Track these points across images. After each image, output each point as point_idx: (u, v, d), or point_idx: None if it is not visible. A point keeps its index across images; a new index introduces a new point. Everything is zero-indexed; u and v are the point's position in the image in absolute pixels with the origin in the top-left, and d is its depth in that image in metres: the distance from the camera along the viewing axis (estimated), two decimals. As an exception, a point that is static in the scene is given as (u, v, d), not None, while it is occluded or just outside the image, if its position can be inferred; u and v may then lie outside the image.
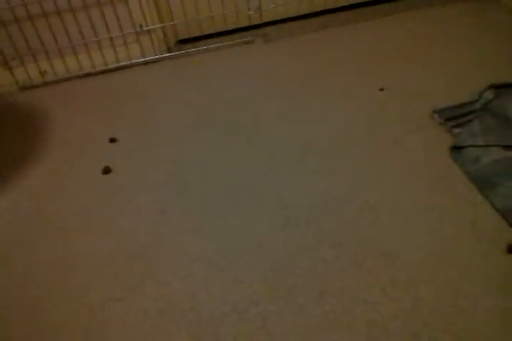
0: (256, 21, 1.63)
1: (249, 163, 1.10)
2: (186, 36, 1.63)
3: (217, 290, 0.84)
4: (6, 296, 0.87)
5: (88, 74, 1.51)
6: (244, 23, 1.64)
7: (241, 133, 1.20)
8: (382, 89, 1.28)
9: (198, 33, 1.61)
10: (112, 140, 1.20)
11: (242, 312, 0.80)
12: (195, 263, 0.89)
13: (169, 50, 1.59)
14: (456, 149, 1.07)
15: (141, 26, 1.50)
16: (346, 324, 0.77)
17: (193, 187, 1.06)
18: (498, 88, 1.21)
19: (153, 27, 1.52)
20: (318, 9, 1.68)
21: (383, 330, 0.76)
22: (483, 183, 0.99)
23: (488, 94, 1.19)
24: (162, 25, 1.53)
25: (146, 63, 1.54)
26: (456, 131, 1.12)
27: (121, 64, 1.53)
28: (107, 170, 1.10)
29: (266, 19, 1.64)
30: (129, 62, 1.53)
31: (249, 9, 1.57)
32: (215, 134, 1.20)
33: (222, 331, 0.77)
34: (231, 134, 1.20)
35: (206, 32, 1.61)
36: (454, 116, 1.15)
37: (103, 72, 1.51)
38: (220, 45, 1.58)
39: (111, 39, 1.50)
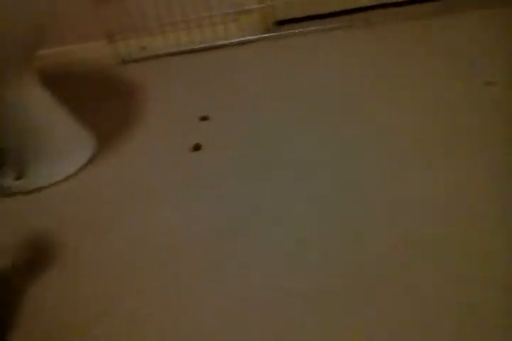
0: (359, 4, 1.56)
1: (359, 147, 1.05)
2: (285, 17, 1.59)
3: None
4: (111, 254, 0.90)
5: (185, 52, 1.52)
6: (346, 6, 1.57)
7: (332, 111, 1.15)
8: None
9: (297, 15, 1.57)
10: (204, 118, 1.20)
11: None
12: (284, 245, 0.87)
13: (267, 31, 1.57)
14: None
15: (240, 6, 1.49)
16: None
17: (282, 169, 1.03)
18: None
19: (253, 7, 1.50)
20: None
21: None
22: None
23: None
24: (262, 5, 1.51)
25: (242, 43, 1.53)
26: None
27: (218, 43, 1.53)
28: (197, 147, 1.10)
29: (370, 2, 1.57)
30: (226, 42, 1.53)
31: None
32: (308, 114, 1.16)
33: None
34: (323, 113, 1.15)
35: (305, 14, 1.57)
36: None
37: (200, 50, 1.52)
38: (318, 28, 1.53)
39: (210, 17, 1.51)
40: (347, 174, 0.99)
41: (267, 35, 1.54)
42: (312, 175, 1.01)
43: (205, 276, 0.83)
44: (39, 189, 1.09)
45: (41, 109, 1.10)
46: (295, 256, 0.83)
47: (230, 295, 0.79)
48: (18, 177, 1.09)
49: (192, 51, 1.52)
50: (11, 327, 0.79)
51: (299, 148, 1.09)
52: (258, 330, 0.73)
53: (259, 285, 0.79)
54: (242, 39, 1.53)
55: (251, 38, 1.53)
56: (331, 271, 0.79)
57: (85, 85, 1.41)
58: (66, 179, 1.10)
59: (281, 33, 1.54)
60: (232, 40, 1.53)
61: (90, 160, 1.14)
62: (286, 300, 0.76)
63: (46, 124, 1.10)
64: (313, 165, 1.03)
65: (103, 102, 1.34)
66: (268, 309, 0.75)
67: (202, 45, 1.52)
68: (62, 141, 1.12)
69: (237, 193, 0.99)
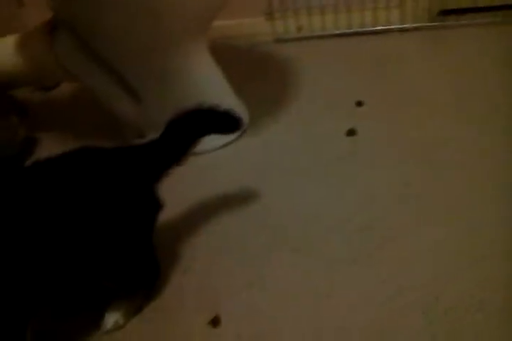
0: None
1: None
2: (452, 7, 1.49)
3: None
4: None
5: (342, 35, 1.50)
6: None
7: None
8: None
9: (465, 5, 1.46)
10: (359, 103, 1.18)
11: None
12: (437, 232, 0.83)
13: (430, 20, 1.48)
14: None
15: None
16: None
17: (441, 163, 0.98)
18: None
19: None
20: None
21: None
22: None
23: None
24: (431, -9, 1.43)
25: (402, 30, 1.47)
26: None
27: (377, 28, 1.48)
28: (351, 133, 1.08)
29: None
30: (386, 28, 1.47)
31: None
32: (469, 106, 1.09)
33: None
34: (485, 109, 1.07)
35: (476, 4, 1.46)
36: None
37: (357, 33, 1.49)
38: (488, 20, 1.41)
39: (374, 1, 1.46)
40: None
41: (430, 24, 1.46)
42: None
43: (361, 261, 0.82)
44: (194, 154, 1.14)
45: (208, 77, 1.14)
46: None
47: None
48: (176, 141, 1.15)
49: (350, 34, 1.49)
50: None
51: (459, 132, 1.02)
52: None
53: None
54: (403, 26, 1.46)
55: (413, 25, 1.46)
56: None
57: (239, 61, 1.45)
58: (219, 148, 1.15)
59: (446, 23, 1.45)
60: (393, 27, 1.47)
61: (241, 134, 1.18)
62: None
63: (210, 92, 1.14)
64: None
65: (256, 79, 1.36)
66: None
67: (360, 29, 1.48)
68: (221, 111, 1.17)
69: (390, 178, 0.96)
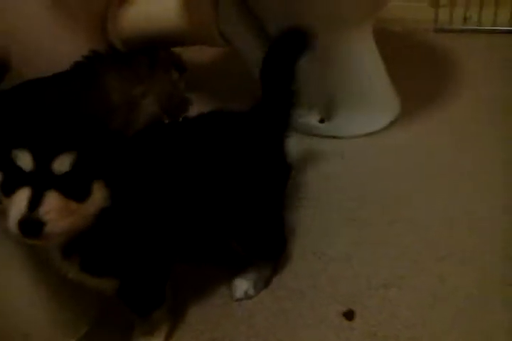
0: None
1: None
2: None
3: None
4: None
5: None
6: None
7: None
8: None
9: None
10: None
11: None
12: None
13: None
14: None
15: None
16: None
17: None
18: None
19: None
20: None
21: None
22: None
23: None
24: None
25: None
26: None
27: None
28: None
29: None
30: None
31: None
32: None
33: None
34: None
35: None
36: None
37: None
38: None
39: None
40: None
41: None
42: None
43: None
44: (337, 137, 1.11)
45: (369, 61, 1.09)
46: None
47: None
48: (322, 120, 1.12)
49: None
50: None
51: None
52: None
53: None
54: None
55: None
56: None
57: (397, 45, 1.36)
58: (365, 135, 1.10)
59: None
60: None
61: (391, 123, 1.11)
62: None
63: (368, 77, 1.09)
64: None
65: (413, 67, 1.27)
66: None
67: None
68: (375, 97, 1.11)
69: None
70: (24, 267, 0.66)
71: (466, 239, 0.83)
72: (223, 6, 1.15)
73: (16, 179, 0.50)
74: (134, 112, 0.97)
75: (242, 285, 0.78)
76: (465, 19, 1.41)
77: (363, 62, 1.08)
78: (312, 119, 1.12)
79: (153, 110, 1.04)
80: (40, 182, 0.49)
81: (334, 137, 1.10)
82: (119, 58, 1.07)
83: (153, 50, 1.14)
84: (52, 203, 0.49)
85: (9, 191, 0.51)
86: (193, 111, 1.28)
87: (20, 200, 0.49)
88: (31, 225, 0.49)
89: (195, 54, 1.54)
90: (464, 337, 0.69)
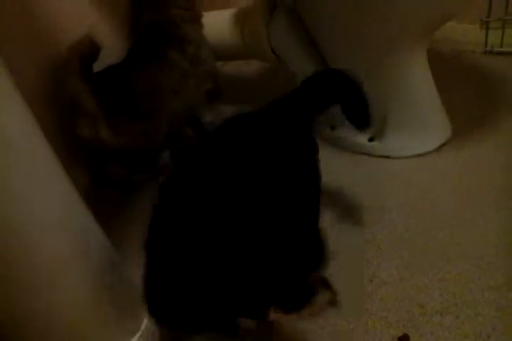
0: None
1: None
2: None
3: None
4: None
5: None
6: None
7: None
8: None
9: None
10: None
11: None
12: None
13: None
14: None
15: None
16: None
17: None
18: None
19: None
20: None
21: None
22: None
23: None
24: None
25: None
26: None
27: None
28: None
29: None
30: None
31: None
32: None
33: None
34: None
35: None
36: None
37: None
38: None
39: None
40: None
41: None
42: None
43: None
44: (386, 157, 1.10)
45: (421, 77, 1.08)
46: None
47: None
48: (372, 139, 1.12)
49: None
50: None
51: None
52: None
53: None
54: None
55: None
56: None
57: (445, 67, 1.35)
58: (414, 156, 1.09)
59: None
60: None
61: (442, 145, 1.10)
62: None
63: (420, 97, 1.08)
64: None
65: (461, 89, 1.26)
66: None
67: None
68: (426, 118, 1.10)
69: None
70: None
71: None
72: (276, 19, 1.16)
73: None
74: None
75: None
76: (516, 42, 1.40)
77: (416, 82, 1.07)
78: (362, 138, 1.12)
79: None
80: None
81: (383, 156, 1.10)
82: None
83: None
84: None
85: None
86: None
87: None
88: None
89: (239, 68, 1.57)
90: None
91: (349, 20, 0.98)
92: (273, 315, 0.57)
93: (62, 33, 0.90)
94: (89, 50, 0.87)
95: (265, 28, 1.19)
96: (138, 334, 0.76)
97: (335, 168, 1.05)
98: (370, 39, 1.01)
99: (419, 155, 1.08)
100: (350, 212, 0.96)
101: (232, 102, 1.41)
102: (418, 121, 1.09)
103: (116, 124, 0.88)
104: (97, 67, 0.88)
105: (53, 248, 0.62)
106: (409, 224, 0.92)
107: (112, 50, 0.96)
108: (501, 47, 1.40)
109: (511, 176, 1.00)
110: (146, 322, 0.76)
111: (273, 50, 1.21)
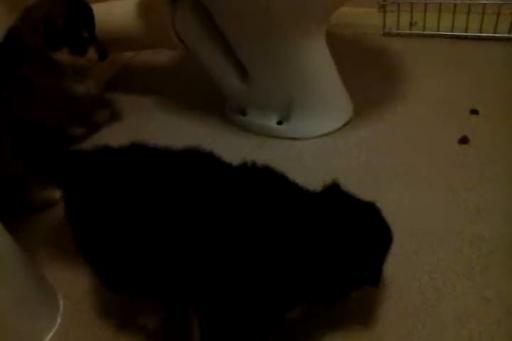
0: None
1: None
2: None
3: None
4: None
5: (457, 37, 1.43)
6: None
7: None
8: None
9: None
10: (473, 111, 1.14)
11: None
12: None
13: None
14: None
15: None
16: None
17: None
18: None
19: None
20: None
21: None
22: None
23: None
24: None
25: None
26: None
27: (498, 35, 1.39)
28: (463, 140, 1.05)
29: None
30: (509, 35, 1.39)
31: None
32: None
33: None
34: None
35: None
36: None
37: (475, 38, 1.41)
38: None
39: (498, 7, 1.38)
40: None
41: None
42: None
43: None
44: (294, 138, 1.15)
45: (321, 61, 1.12)
46: None
47: None
48: (280, 122, 1.16)
49: (463, 38, 1.43)
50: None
51: None
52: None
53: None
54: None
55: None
56: None
57: (345, 51, 1.41)
58: (319, 136, 1.14)
59: None
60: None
61: (344, 125, 1.16)
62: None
63: (320, 77, 1.12)
64: None
65: (361, 71, 1.33)
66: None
67: (479, 34, 1.41)
68: (329, 100, 1.15)
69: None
70: None
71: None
72: (180, 8, 1.16)
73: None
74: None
75: None
76: (411, 24, 1.49)
77: (317, 66, 1.11)
78: (270, 121, 1.16)
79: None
80: None
81: (291, 138, 1.14)
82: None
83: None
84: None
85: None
86: (148, 115, 1.30)
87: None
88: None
89: (151, 57, 1.55)
90: None
91: (241, 9, 1.00)
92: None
93: None
94: None
95: (170, 17, 1.18)
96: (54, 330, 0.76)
97: (245, 150, 1.09)
98: (261, 27, 1.03)
99: (324, 135, 1.14)
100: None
101: (144, 91, 1.41)
102: (321, 103, 1.14)
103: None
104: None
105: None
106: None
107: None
108: (398, 29, 1.49)
109: (407, 153, 1.08)
110: (60, 319, 0.77)
111: (181, 39, 1.21)
